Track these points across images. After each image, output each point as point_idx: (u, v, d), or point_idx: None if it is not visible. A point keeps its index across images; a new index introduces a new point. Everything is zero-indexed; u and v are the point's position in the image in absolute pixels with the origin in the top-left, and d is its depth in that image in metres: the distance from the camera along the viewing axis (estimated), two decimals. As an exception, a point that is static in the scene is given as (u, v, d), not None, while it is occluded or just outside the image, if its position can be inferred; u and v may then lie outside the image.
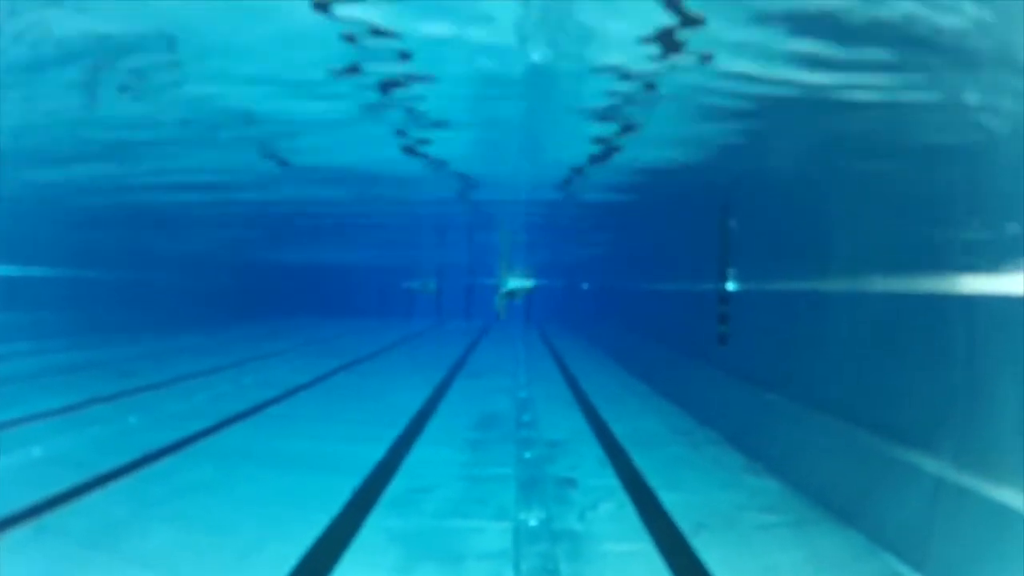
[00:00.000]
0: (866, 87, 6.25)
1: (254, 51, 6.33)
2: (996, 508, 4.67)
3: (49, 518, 6.14)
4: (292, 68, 6.80)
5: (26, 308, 18.88)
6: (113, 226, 19.57)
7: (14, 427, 9.43)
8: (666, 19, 5.27)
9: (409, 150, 9.94)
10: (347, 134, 9.24)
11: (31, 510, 6.23)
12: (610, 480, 7.84)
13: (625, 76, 6.61)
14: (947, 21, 4.71)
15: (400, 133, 9.12)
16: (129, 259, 23.76)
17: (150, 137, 9.56)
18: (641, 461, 8.56)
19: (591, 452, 9.08)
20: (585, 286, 33.35)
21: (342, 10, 5.35)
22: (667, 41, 5.67)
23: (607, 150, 9.37)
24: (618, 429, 10.40)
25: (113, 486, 7.12)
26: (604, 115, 7.93)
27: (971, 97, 5.09)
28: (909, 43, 5.13)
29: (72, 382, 13.30)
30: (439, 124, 8.67)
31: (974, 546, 4.80)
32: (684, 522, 6.43)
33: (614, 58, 6.16)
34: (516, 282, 16.01)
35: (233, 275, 32.50)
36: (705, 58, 6.05)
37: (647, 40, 5.67)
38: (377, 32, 5.78)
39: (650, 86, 6.85)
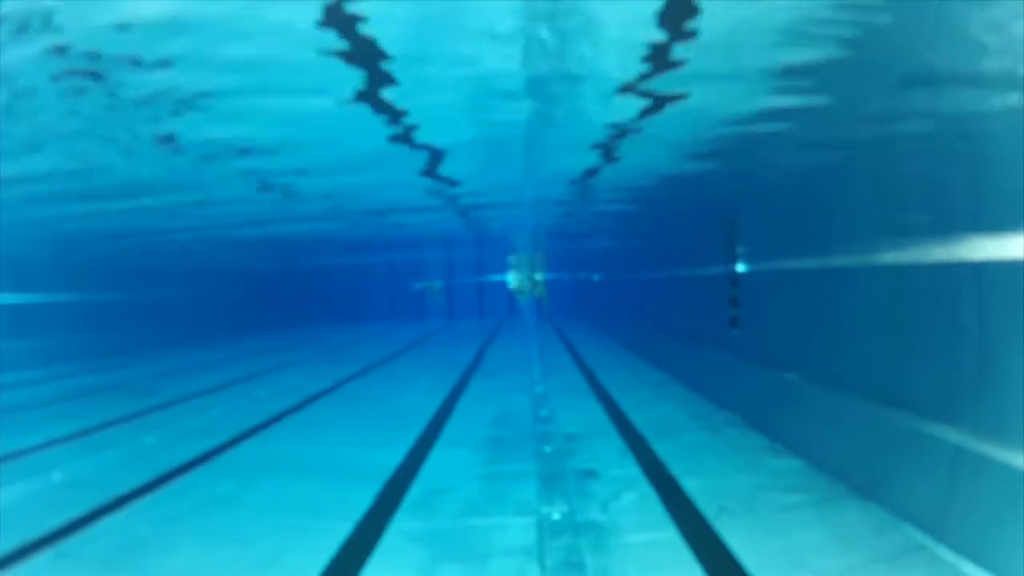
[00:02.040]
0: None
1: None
2: (1016, 475, 4.63)
3: (70, 541, 6.16)
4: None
5: (39, 334, 18.98)
6: (121, 246, 19.61)
7: (34, 453, 9.46)
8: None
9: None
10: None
11: (53, 535, 6.24)
12: (631, 470, 7.82)
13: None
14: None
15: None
16: (137, 278, 23.85)
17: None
18: (661, 448, 8.54)
19: (610, 443, 9.06)
20: (596, 277, 33.28)
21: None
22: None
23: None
24: (636, 418, 10.37)
25: (133, 506, 7.13)
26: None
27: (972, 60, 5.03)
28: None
29: (88, 405, 13.33)
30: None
31: (995, 514, 4.76)
32: (707, 507, 6.41)
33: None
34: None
35: (242, 287, 32.53)
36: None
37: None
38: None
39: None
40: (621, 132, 7.70)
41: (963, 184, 5.42)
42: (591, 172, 10.32)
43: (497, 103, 6.65)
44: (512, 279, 37.73)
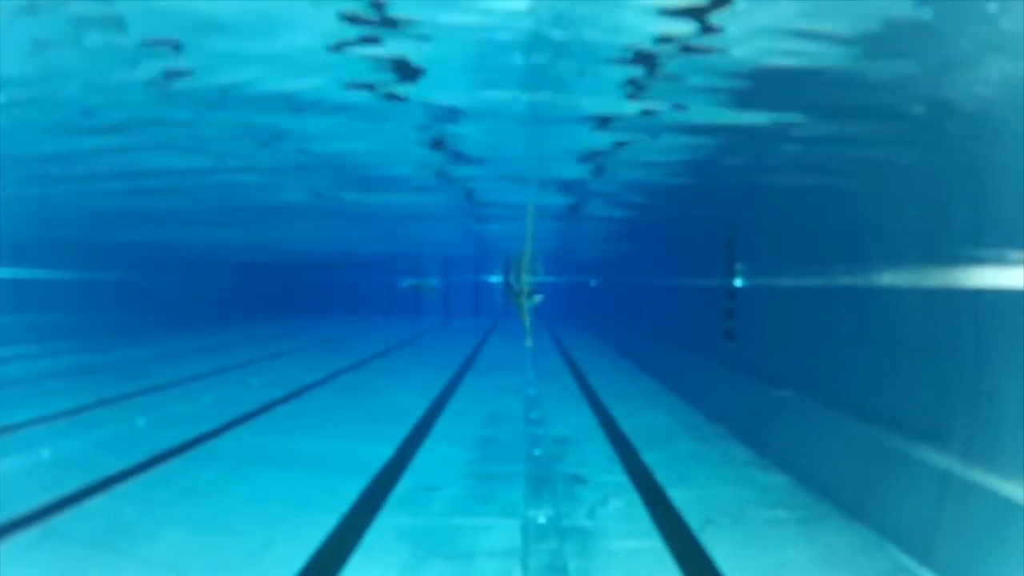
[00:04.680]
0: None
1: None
2: (1003, 502, 4.64)
3: (57, 520, 6.16)
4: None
5: (34, 310, 18.96)
6: (119, 227, 19.55)
7: (22, 429, 9.46)
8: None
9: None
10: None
11: (39, 512, 6.25)
12: (619, 477, 7.82)
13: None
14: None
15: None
16: (135, 260, 23.83)
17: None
18: (650, 457, 8.55)
19: (600, 449, 9.07)
20: (593, 283, 33.28)
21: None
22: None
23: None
24: (627, 425, 10.38)
25: (120, 488, 7.13)
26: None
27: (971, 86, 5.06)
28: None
29: (81, 384, 13.33)
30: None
31: (981, 540, 4.77)
32: (693, 518, 6.42)
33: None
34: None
35: (240, 275, 32.53)
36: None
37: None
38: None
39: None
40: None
41: (963, 211, 5.43)
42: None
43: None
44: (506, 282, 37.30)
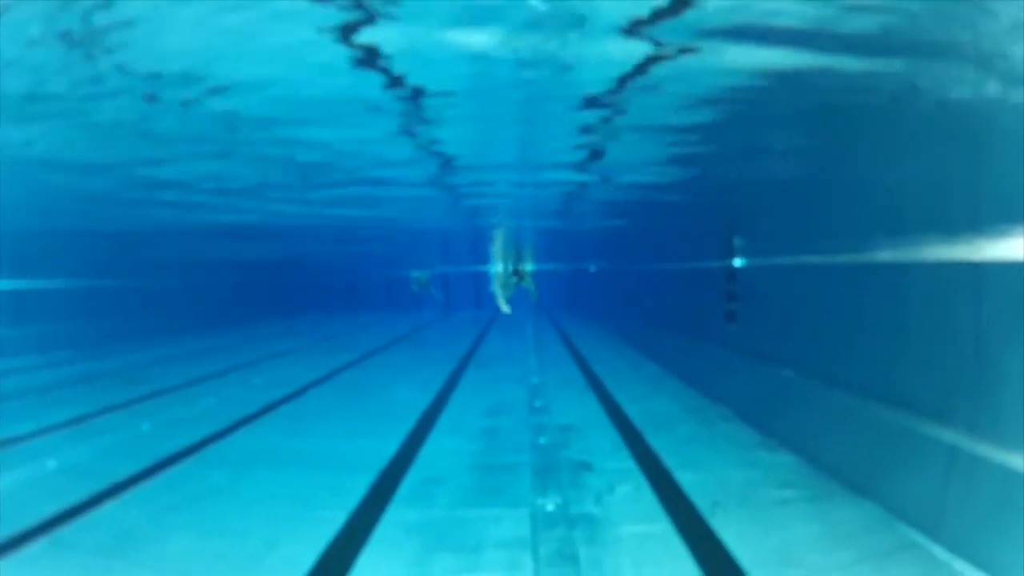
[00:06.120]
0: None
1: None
2: (1011, 475, 4.64)
3: (65, 529, 6.15)
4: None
5: (34, 320, 18.94)
6: (118, 230, 19.51)
7: (28, 440, 9.44)
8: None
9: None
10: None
11: (47, 523, 6.24)
12: (625, 462, 7.82)
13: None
14: None
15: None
16: (133, 265, 23.78)
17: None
18: (655, 442, 8.55)
19: (605, 435, 9.07)
20: (592, 268, 33.22)
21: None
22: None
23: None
24: (631, 411, 10.38)
25: (127, 495, 7.12)
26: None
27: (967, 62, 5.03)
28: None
29: (83, 392, 13.32)
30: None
31: (989, 513, 4.77)
32: (701, 501, 6.42)
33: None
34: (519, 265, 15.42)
35: (239, 274, 32.47)
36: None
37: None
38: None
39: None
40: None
41: (961, 184, 5.41)
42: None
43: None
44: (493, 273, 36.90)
